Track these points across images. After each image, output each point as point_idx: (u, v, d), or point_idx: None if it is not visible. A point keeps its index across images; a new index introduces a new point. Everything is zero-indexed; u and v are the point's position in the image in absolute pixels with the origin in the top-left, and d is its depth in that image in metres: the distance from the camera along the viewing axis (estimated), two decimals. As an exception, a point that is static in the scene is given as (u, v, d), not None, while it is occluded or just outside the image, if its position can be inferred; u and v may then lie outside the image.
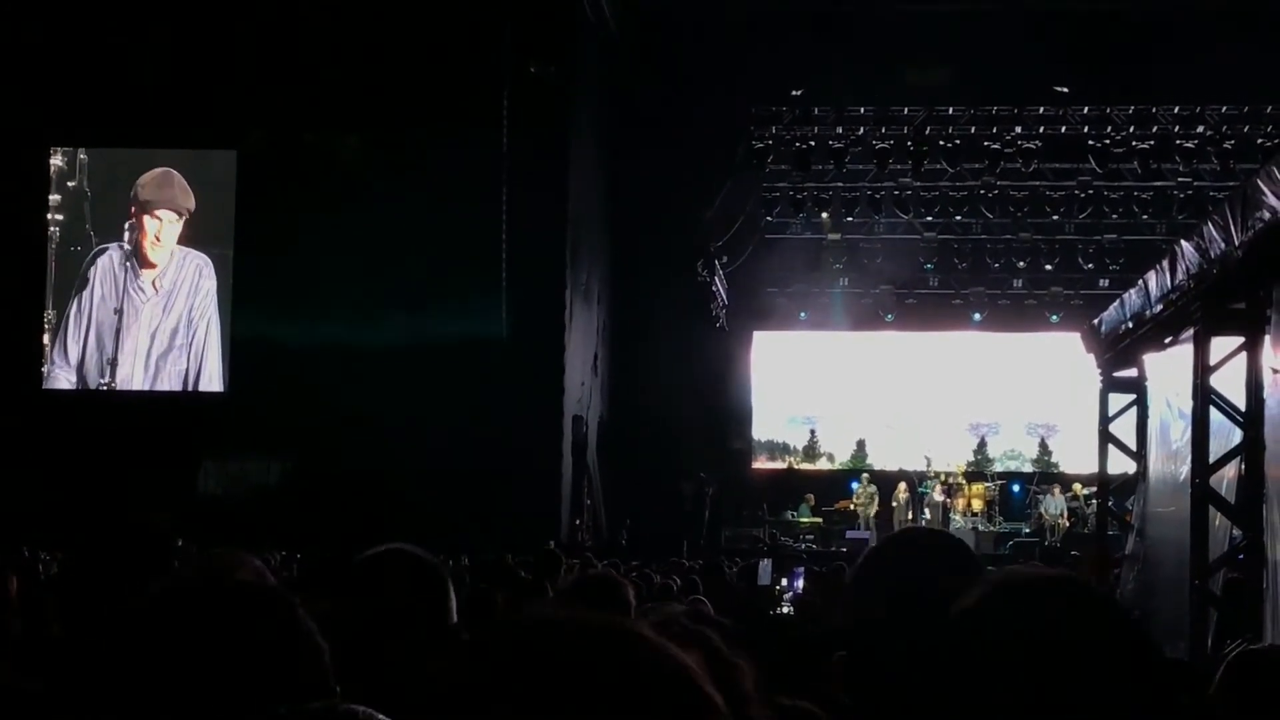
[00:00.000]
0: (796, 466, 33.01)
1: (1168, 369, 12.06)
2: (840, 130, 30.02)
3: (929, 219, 31.68)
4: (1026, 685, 1.70)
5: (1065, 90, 28.73)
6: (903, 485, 29.80)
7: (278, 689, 2.19)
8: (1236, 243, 8.80)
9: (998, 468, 32.02)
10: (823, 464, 33.10)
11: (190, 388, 26.31)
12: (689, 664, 1.33)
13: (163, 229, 26.36)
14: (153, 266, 26.37)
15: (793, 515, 29.99)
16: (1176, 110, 28.97)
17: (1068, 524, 28.27)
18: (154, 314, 26.37)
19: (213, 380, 26.30)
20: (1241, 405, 9.74)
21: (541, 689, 1.27)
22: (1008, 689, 1.71)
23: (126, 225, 26.37)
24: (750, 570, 16.70)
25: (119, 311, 26.31)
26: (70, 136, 26.31)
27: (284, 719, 2.16)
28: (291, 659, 2.22)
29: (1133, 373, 13.27)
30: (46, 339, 26.18)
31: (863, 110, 29.94)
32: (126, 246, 26.37)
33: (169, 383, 26.35)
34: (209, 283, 26.33)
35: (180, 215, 26.32)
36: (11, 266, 25.43)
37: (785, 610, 14.60)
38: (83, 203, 26.41)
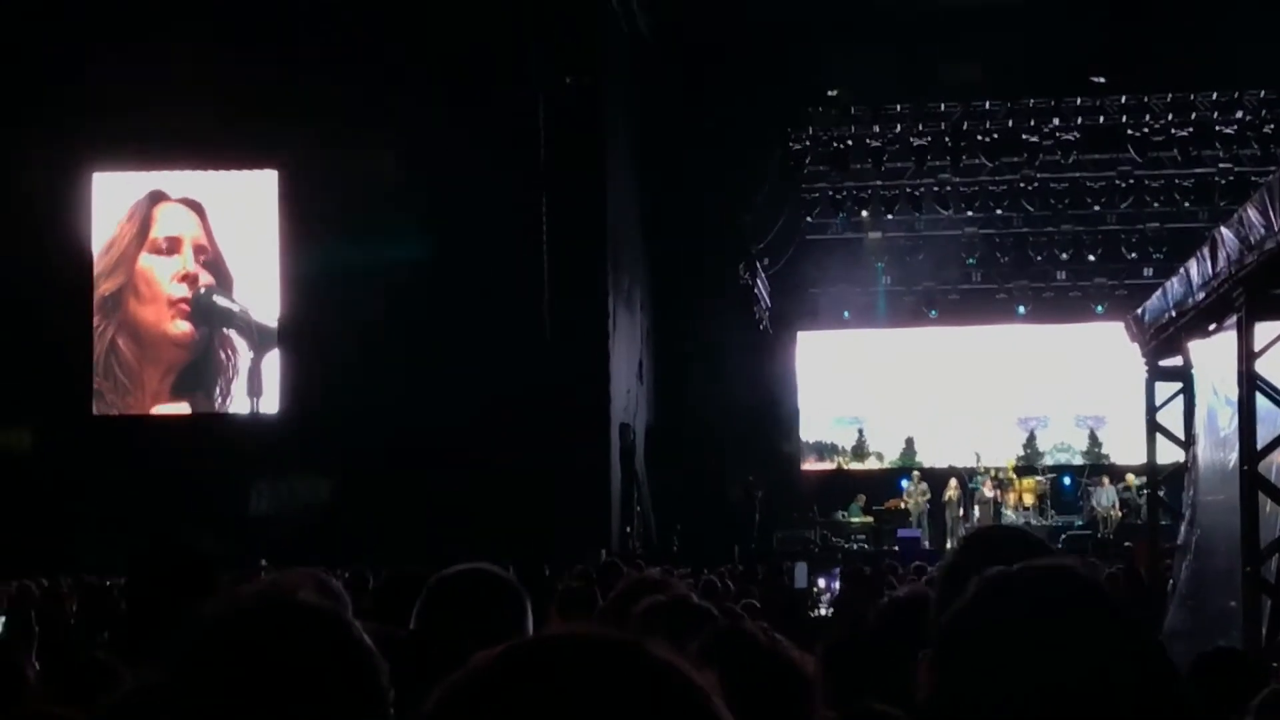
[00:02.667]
0: (845, 467, 32.91)
1: (1213, 356, 11.99)
2: (877, 129, 29.98)
3: (969, 214, 31.49)
4: (1021, 679, 1.71)
5: (1102, 80, 28.60)
6: (953, 482, 29.64)
7: (336, 709, 2.19)
8: (1277, 228, 8.74)
9: (1048, 461, 31.78)
10: (872, 463, 32.96)
11: (240, 410, 26.53)
12: (702, 683, 1.30)
13: (191, 257, 26.63)
14: (188, 296, 26.61)
15: (844, 516, 29.82)
16: (1215, 96, 28.78)
17: (1120, 515, 28.07)
18: (196, 337, 26.60)
19: (261, 402, 26.50)
20: (1288, 390, 9.67)
21: (545, 710, 1.25)
22: (1004, 684, 1.72)
23: (157, 251, 26.66)
24: (787, 573, 16.68)
25: (164, 336, 26.59)
26: (112, 161, 26.52)
27: None
28: (349, 679, 2.21)
29: (1178, 361, 13.20)
30: (95, 363, 26.37)
31: (899, 108, 29.90)
32: (163, 269, 26.67)
33: (219, 405, 26.60)
34: (248, 304, 26.56)
35: (207, 242, 26.60)
36: (57, 290, 25.60)
37: (823, 612, 14.55)
38: (124, 226, 26.65)
